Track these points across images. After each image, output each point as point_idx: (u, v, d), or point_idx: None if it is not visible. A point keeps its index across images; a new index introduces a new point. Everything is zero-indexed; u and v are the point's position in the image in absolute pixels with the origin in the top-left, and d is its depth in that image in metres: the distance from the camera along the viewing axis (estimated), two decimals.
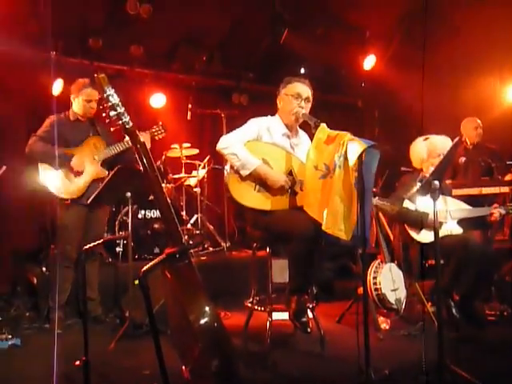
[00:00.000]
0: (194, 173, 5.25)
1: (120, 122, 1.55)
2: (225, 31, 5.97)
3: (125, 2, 5.14)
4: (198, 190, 5.16)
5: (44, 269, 4.01)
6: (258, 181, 2.73)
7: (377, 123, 7.59)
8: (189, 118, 5.35)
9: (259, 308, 2.94)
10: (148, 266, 1.52)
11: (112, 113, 1.53)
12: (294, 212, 2.73)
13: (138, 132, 1.55)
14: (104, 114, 1.56)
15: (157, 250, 4.39)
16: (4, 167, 3.80)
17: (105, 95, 1.54)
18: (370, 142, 2.25)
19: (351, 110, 7.44)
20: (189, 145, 5.22)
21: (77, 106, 3.56)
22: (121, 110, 1.54)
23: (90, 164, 3.47)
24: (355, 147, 2.27)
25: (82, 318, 3.44)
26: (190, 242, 4.61)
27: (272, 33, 6.13)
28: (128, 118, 1.57)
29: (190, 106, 5.31)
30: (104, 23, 5.35)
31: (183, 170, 5.23)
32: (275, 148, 2.85)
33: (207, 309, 1.58)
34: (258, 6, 5.81)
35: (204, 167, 5.22)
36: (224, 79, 6.40)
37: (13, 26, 4.66)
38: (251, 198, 2.72)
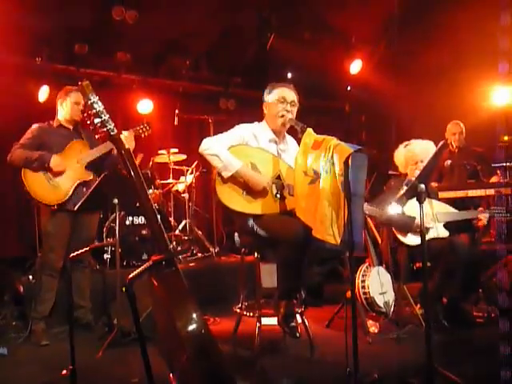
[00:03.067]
0: (182, 178, 5.24)
1: (104, 129, 1.54)
2: (212, 37, 5.99)
3: (111, 8, 5.13)
4: (186, 195, 5.15)
5: (31, 277, 3.96)
6: (243, 184, 2.73)
7: (364, 127, 7.65)
8: (176, 123, 5.35)
9: (248, 313, 2.94)
10: (134, 273, 1.51)
11: (96, 120, 1.52)
12: (283, 217, 2.73)
13: (122, 137, 1.56)
14: (89, 122, 1.55)
15: (145, 257, 4.36)
16: None
17: (89, 102, 1.53)
18: (356, 146, 2.26)
19: (338, 115, 7.49)
20: (176, 150, 5.21)
21: (64, 109, 3.52)
22: (105, 117, 1.53)
23: (73, 167, 3.42)
24: (341, 152, 2.28)
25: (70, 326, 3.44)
26: (178, 249, 4.60)
27: (259, 38, 6.16)
28: (112, 125, 1.56)
29: (177, 111, 5.31)
30: (90, 29, 5.33)
31: (171, 175, 5.22)
32: (263, 152, 2.85)
33: (194, 315, 1.58)
34: (244, 12, 5.84)
35: (192, 172, 5.21)
36: (211, 85, 6.42)
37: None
38: (239, 202, 2.72)
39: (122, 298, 3.24)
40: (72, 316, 3.38)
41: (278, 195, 2.79)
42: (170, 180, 5.18)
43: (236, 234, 3.02)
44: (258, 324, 2.82)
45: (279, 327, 2.75)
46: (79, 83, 1.56)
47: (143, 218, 4.39)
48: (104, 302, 3.78)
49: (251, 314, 2.90)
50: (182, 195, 5.20)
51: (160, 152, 5.16)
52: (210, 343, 1.61)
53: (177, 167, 5.25)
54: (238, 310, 3.00)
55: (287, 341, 3.07)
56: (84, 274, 3.60)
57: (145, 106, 5.78)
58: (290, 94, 2.92)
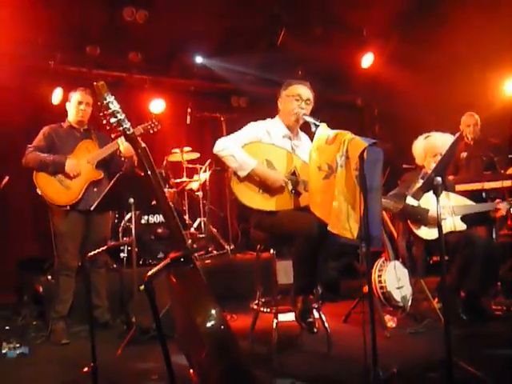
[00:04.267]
0: (196, 177, 5.26)
1: (120, 128, 1.56)
2: (222, 34, 5.99)
3: (121, 9, 5.17)
4: (200, 193, 5.17)
5: (49, 277, 4.01)
6: (259, 182, 2.73)
7: (377, 121, 7.59)
8: (188, 122, 5.36)
9: (265, 310, 2.94)
10: (153, 271, 1.53)
11: (112, 120, 1.54)
12: (297, 212, 2.73)
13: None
14: (104, 121, 1.57)
15: (161, 255, 4.39)
16: (7, 178, 3.82)
17: (104, 102, 1.54)
18: (371, 140, 2.25)
19: (351, 109, 7.45)
20: (190, 149, 5.23)
21: (70, 111, 3.58)
22: (121, 116, 1.55)
23: (84, 167, 3.46)
24: (356, 146, 2.27)
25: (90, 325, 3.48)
26: (194, 246, 4.61)
27: (269, 35, 6.15)
28: (128, 124, 1.58)
29: (189, 110, 5.33)
30: (101, 30, 5.37)
31: (185, 174, 5.24)
32: (277, 149, 2.85)
33: (213, 312, 1.58)
34: (255, 8, 5.82)
35: (205, 171, 5.23)
36: (222, 82, 6.43)
37: (13, 37, 4.69)
38: (255, 199, 2.72)
39: (139, 296, 3.27)
40: (92, 314, 3.44)
41: (294, 191, 2.79)
42: (184, 179, 5.20)
43: (251, 231, 3.03)
44: (274, 320, 2.82)
45: (296, 323, 2.75)
46: (94, 83, 1.58)
47: (158, 217, 4.42)
48: (122, 300, 3.83)
49: (268, 311, 2.90)
50: (196, 193, 5.22)
51: (173, 151, 5.18)
52: (230, 339, 1.62)
53: (190, 166, 5.27)
54: (255, 307, 3.00)
55: (304, 336, 3.07)
56: (100, 274, 3.64)
57: (157, 105, 5.81)
58: (306, 92, 2.91)
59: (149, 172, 1.51)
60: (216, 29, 5.76)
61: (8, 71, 4.91)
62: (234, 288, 4.11)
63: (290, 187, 2.79)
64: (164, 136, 5.29)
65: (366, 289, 2.51)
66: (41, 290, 4.01)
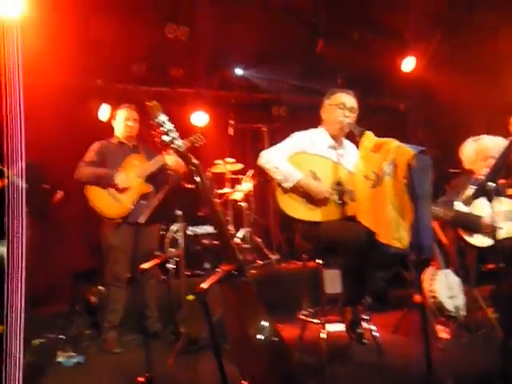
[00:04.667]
0: (239, 187, 5.30)
1: (174, 146, 1.61)
2: (261, 45, 6.05)
3: (163, 27, 5.32)
4: (243, 204, 5.21)
5: (101, 288, 4.14)
6: (303, 193, 2.74)
7: (420, 124, 7.43)
8: (231, 133, 5.43)
9: (313, 320, 2.93)
10: (206, 283, 1.56)
11: (165, 138, 1.59)
12: (344, 222, 2.72)
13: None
14: (157, 139, 1.62)
15: (207, 266, 4.45)
16: (61, 193, 3.99)
17: (158, 121, 1.60)
18: (418, 147, 2.22)
19: (393, 114, 7.33)
20: (233, 160, 5.29)
21: (117, 127, 3.72)
22: (174, 135, 1.60)
23: (134, 181, 3.57)
24: (403, 154, 2.25)
25: (141, 335, 3.57)
26: (246, 258, 4.65)
27: (307, 43, 6.16)
28: (181, 141, 1.63)
29: (231, 121, 5.39)
30: (144, 48, 5.54)
31: (228, 185, 5.29)
32: (322, 159, 2.85)
33: (267, 323, 1.60)
34: (292, 18, 5.86)
35: (248, 181, 5.27)
36: (263, 93, 6.48)
37: (61, 56, 4.91)
38: (300, 209, 2.73)
39: (187, 307, 3.32)
40: (146, 325, 3.53)
41: (340, 201, 2.78)
42: (228, 189, 5.26)
43: (297, 241, 3.03)
44: (323, 330, 2.81)
45: (345, 333, 2.73)
46: (147, 103, 1.64)
47: (204, 228, 4.49)
48: (170, 310, 3.90)
49: (316, 321, 2.89)
50: (240, 204, 5.26)
51: (216, 162, 5.26)
52: (283, 351, 1.63)
53: (233, 176, 5.32)
54: (303, 317, 2.99)
55: (354, 347, 3.03)
56: (150, 285, 3.72)
57: (199, 118, 5.91)
58: (350, 100, 2.90)
59: (202, 187, 1.56)
60: (255, 40, 5.83)
61: (58, 89, 5.14)
62: (279, 298, 4.09)
63: (336, 197, 2.78)
64: (207, 148, 5.36)
65: (416, 298, 2.46)
66: (93, 300, 4.14)
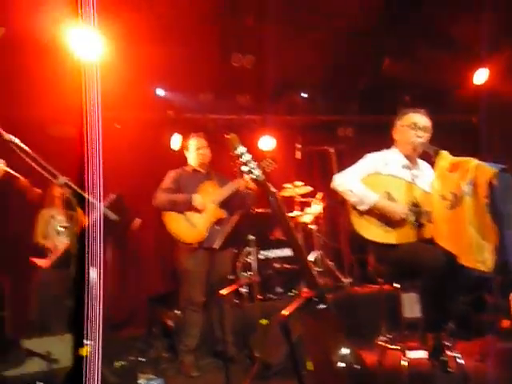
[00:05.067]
0: (308, 209, 5.30)
1: (252, 175, 1.67)
2: (324, 68, 6.08)
3: (229, 57, 5.52)
4: (313, 226, 5.19)
5: (177, 312, 4.25)
6: (379, 215, 2.70)
7: (496, 138, 7.07)
8: (299, 157, 5.46)
9: (392, 346, 2.83)
10: (288, 310, 1.57)
11: (244, 168, 1.66)
12: (422, 244, 2.63)
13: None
14: (236, 170, 1.68)
15: (279, 290, 4.45)
16: (139, 220, 4.19)
17: (237, 153, 1.68)
18: (499, 165, 2.13)
19: (466, 128, 7.04)
20: (301, 183, 5.31)
21: (190, 156, 3.87)
22: (252, 165, 1.66)
23: (208, 207, 3.67)
24: (484, 173, 2.16)
25: (217, 359, 3.62)
26: (326, 284, 4.61)
27: (372, 62, 6.11)
28: (259, 171, 1.68)
29: (298, 145, 5.43)
30: (211, 78, 5.76)
31: (297, 208, 5.30)
32: (396, 179, 2.80)
33: (349, 350, 1.58)
34: (356, 38, 5.85)
35: (318, 204, 5.25)
36: (328, 115, 6.48)
37: (135, 89, 5.22)
38: (376, 232, 2.69)
39: (261, 331, 3.33)
40: (225, 350, 3.58)
41: (416, 223, 2.70)
42: (297, 212, 5.26)
43: (371, 264, 2.97)
44: (404, 357, 2.70)
45: (427, 361, 2.61)
46: (225, 136, 1.72)
47: (275, 252, 4.51)
48: (244, 334, 3.92)
49: (396, 347, 2.79)
50: (310, 227, 5.24)
51: (285, 186, 5.30)
52: (366, 379, 1.60)
53: (303, 199, 5.32)
54: (381, 343, 2.90)
55: (438, 376, 2.88)
56: (224, 309, 3.77)
57: (266, 142, 6.01)
58: (422, 120, 2.85)
59: (280, 215, 1.59)
60: (319, 62, 5.87)
61: (133, 122, 5.47)
62: (354, 322, 4.00)
63: (413, 218, 2.71)
64: (275, 172, 5.43)
65: (504, 323, 2.32)
66: (170, 324, 4.27)
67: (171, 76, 5.43)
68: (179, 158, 4.08)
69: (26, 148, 1.81)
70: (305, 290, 1.68)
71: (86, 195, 1.85)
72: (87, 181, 2.31)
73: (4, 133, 1.79)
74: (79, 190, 1.77)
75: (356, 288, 4.84)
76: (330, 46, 5.75)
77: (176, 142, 5.57)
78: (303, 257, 1.62)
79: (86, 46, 4.12)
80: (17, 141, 1.83)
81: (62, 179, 1.80)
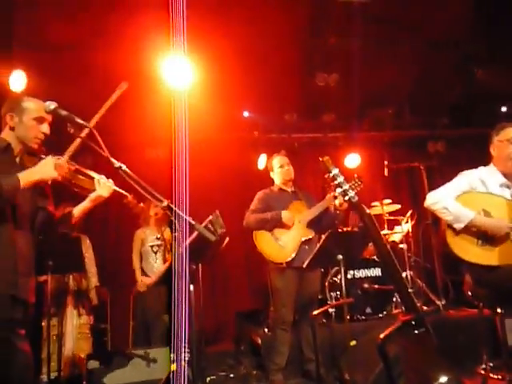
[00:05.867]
0: (397, 228, 5.14)
1: (346, 197, 1.68)
2: (411, 82, 5.92)
3: (314, 77, 5.56)
4: (403, 245, 5.02)
5: (266, 330, 4.30)
6: (478, 233, 2.56)
7: None
8: (386, 174, 5.34)
9: (495, 376, 2.65)
10: (385, 333, 1.54)
11: (338, 190, 1.68)
12: None
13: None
14: (330, 191, 1.70)
15: (369, 310, 4.35)
16: (227, 238, 4.32)
17: (331, 175, 1.71)
18: None
19: None
20: (390, 201, 5.18)
21: (276, 177, 3.93)
22: (346, 186, 1.68)
23: (296, 227, 3.70)
24: None
25: (305, 378, 3.60)
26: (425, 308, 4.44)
27: (462, 73, 5.85)
28: (353, 192, 1.69)
29: (385, 162, 5.31)
30: (296, 98, 5.84)
31: (386, 226, 5.17)
32: (494, 197, 2.66)
33: (450, 377, 1.51)
34: (444, 50, 5.65)
35: (407, 222, 5.09)
36: (416, 129, 6.28)
37: (222, 114, 5.44)
38: (474, 252, 2.56)
39: (351, 352, 3.27)
40: (308, 369, 3.56)
41: None
42: (386, 231, 5.13)
43: (469, 286, 2.81)
44: None
45: None
46: (320, 159, 1.76)
47: (364, 272, 4.43)
48: (333, 355, 3.87)
49: (500, 377, 2.61)
50: (400, 246, 5.08)
51: (373, 204, 5.20)
52: None
53: (391, 218, 5.19)
54: (483, 372, 2.73)
55: None
56: (315, 329, 3.75)
57: (352, 160, 5.95)
58: None
59: (375, 236, 1.58)
60: (406, 76, 5.73)
61: (220, 143, 5.68)
62: (450, 349, 3.79)
63: None
64: (362, 189, 5.34)
65: None
66: (259, 341, 4.32)
67: (258, 98, 5.58)
68: (266, 178, 4.17)
69: (133, 174, 1.98)
70: (402, 312, 1.64)
71: (185, 216, 1.97)
72: (175, 200, 2.45)
73: (115, 161, 1.97)
74: (180, 212, 1.89)
75: (451, 311, 4.58)
76: (416, 59, 5.60)
77: (262, 162, 5.70)
78: (400, 278, 1.59)
79: (177, 74, 4.40)
80: (124, 167, 2.00)
81: (165, 202, 1.93)
